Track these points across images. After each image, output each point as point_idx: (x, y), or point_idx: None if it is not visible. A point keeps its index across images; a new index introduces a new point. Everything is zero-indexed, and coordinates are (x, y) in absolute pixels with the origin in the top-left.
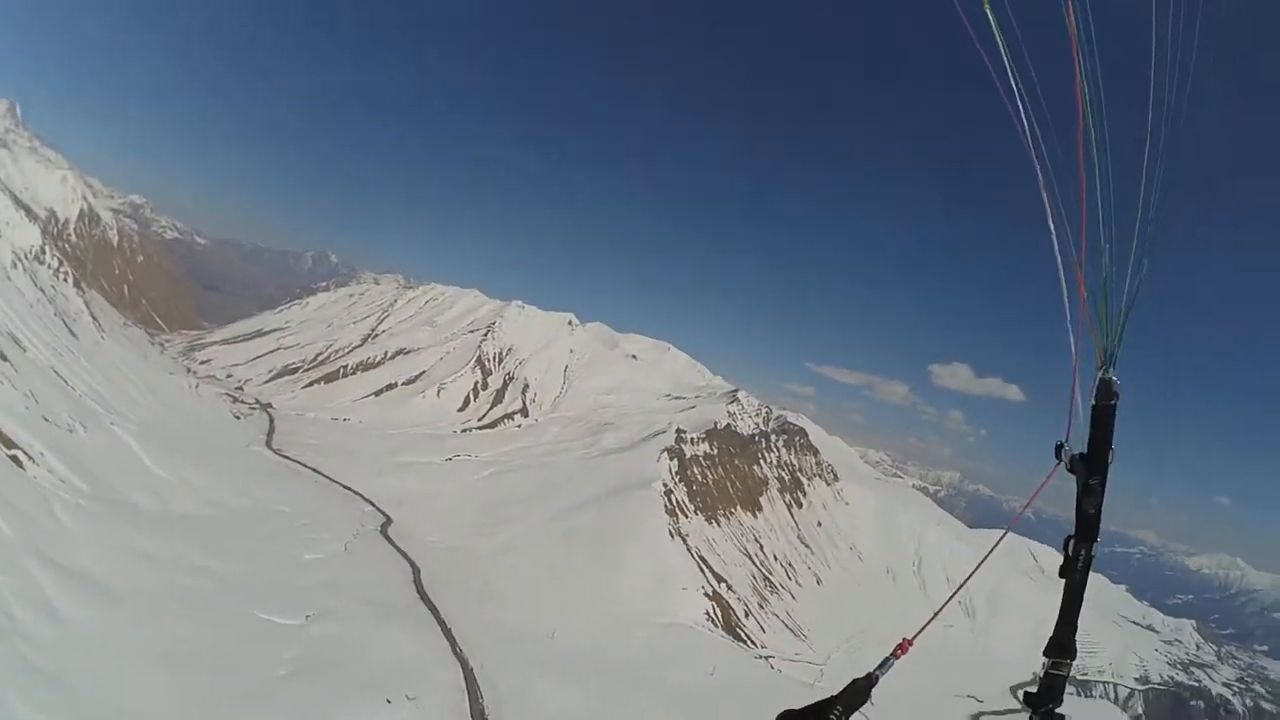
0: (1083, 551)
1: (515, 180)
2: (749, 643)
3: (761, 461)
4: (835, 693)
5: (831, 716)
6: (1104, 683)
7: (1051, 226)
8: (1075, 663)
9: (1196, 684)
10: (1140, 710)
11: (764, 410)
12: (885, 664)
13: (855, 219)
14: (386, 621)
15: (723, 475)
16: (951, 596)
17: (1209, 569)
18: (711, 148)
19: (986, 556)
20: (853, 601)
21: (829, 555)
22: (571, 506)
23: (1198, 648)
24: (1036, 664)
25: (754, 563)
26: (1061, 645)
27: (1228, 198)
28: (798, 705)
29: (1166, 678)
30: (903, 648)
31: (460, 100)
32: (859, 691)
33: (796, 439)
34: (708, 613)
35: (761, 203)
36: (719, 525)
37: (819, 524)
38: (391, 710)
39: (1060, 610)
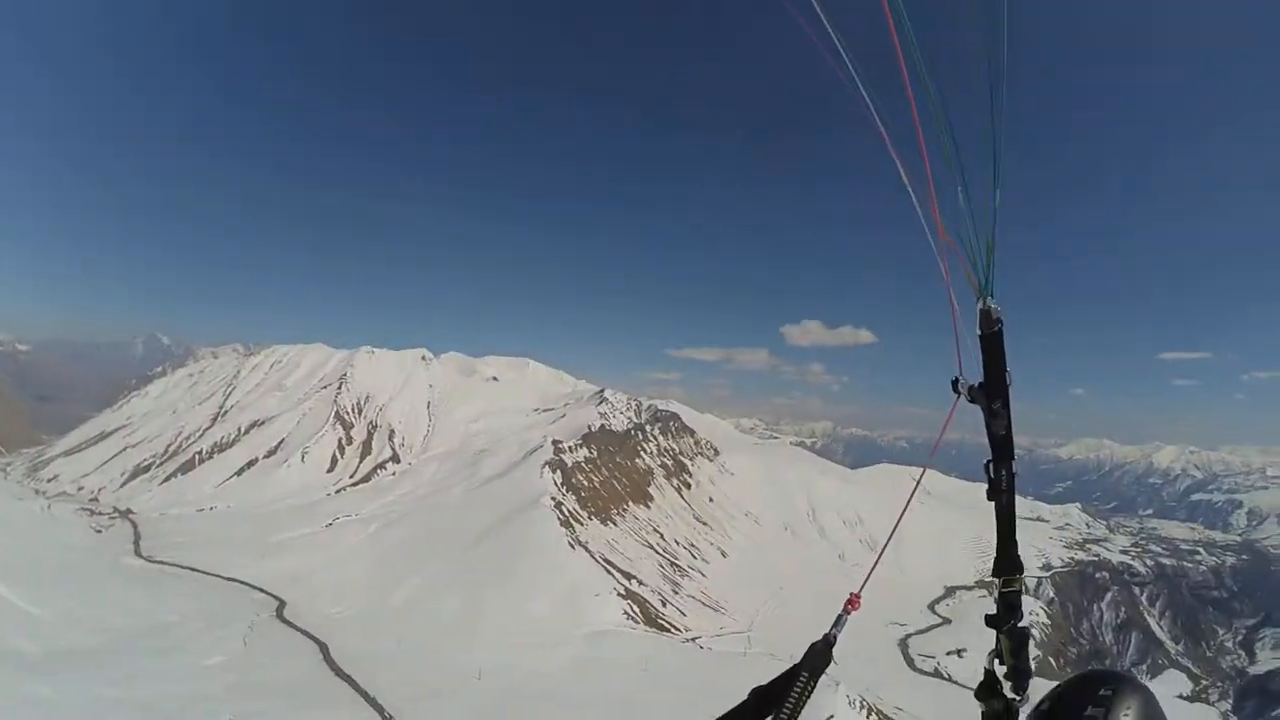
0: (1004, 472)
1: (338, 222)
2: (673, 630)
3: (642, 453)
4: (797, 661)
5: (798, 683)
6: None
7: (904, 176)
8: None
9: (1096, 558)
10: (1052, 594)
11: (634, 404)
12: (839, 622)
13: (694, 207)
14: (307, 709)
15: (608, 475)
16: (885, 545)
17: (1080, 454)
18: (533, 155)
19: (909, 502)
20: (760, 565)
21: (727, 527)
22: (466, 543)
23: (1088, 526)
24: (946, 580)
25: (658, 552)
26: (1007, 563)
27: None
28: (734, 674)
29: (1067, 559)
30: (852, 603)
31: (256, 146)
32: (819, 655)
33: (671, 424)
34: (626, 612)
35: (595, 203)
36: (615, 525)
37: (710, 500)
38: None
39: (997, 531)
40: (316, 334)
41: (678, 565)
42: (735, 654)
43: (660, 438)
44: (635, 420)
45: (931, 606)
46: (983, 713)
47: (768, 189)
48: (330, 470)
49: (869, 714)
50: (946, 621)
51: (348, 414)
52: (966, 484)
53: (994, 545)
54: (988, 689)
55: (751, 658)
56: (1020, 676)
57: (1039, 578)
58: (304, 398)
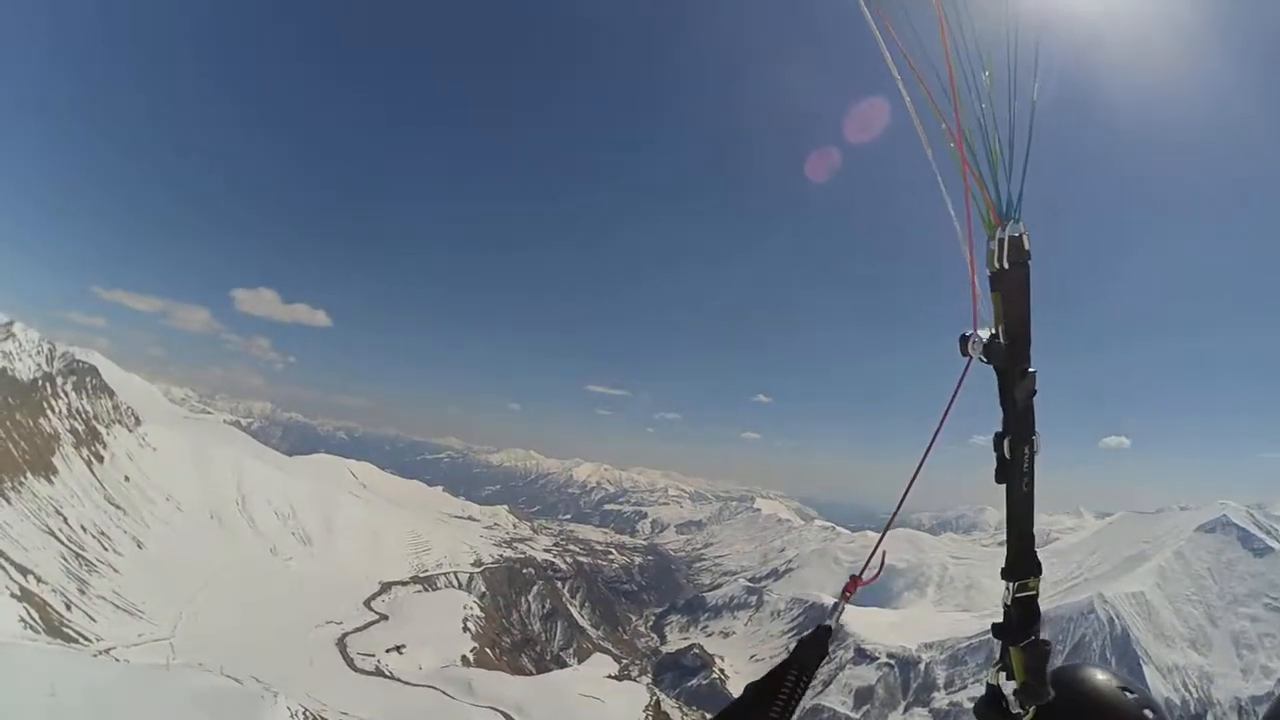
0: (1025, 451)
1: None
2: (83, 639)
3: (49, 412)
4: (788, 656)
5: (788, 681)
6: (444, 574)
7: (903, 90)
8: (427, 563)
9: (523, 555)
10: (484, 589)
11: (46, 347)
12: (835, 609)
13: (140, 125)
14: None
15: (3, 436)
16: (891, 520)
17: (509, 462)
18: None
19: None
20: (183, 558)
21: (145, 513)
22: None
23: (515, 526)
24: (381, 576)
25: (61, 540)
26: (1023, 562)
27: None
28: (158, 691)
29: (497, 556)
30: (850, 588)
31: None
32: (810, 648)
33: (88, 380)
34: (22, 618)
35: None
36: (8, 502)
37: (127, 478)
38: None
39: (1008, 523)
40: None
41: (85, 558)
42: (158, 667)
43: (73, 395)
44: (45, 369)
45: (368, 603)
46: None
47: (228, 125)
48: None
49: None
50: (384, 618)
51: None
52: (402, 480)
53: (427, 540)
54: (992, 707)
55: (176, 670)
56: (1035, 697)
57: (471, 572)
58: None
